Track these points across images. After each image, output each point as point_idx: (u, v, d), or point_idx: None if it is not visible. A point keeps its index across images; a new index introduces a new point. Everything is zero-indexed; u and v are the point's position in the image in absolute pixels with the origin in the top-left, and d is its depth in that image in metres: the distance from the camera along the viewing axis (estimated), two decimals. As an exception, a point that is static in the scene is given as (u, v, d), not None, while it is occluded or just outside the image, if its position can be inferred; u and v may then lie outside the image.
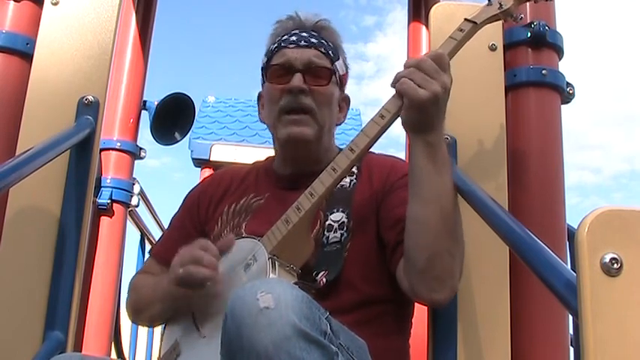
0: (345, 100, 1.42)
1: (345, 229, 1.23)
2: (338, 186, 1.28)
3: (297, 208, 1.14)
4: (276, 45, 1.36)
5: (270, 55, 1.37)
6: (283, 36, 1.36)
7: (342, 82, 1.39)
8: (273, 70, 1.34)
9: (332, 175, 1.14)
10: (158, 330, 1.31)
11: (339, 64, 1.37)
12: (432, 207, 1.09)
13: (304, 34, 1.35)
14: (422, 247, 1.10)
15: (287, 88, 1.29)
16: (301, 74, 1.29)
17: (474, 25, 1.19)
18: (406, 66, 1.10)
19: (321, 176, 1.15)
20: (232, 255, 1.18)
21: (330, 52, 1.36)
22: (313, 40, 1.35)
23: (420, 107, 1.07)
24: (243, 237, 1.23)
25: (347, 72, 1.41)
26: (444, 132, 1.13)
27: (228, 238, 1.20)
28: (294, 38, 1.34)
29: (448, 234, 1.10)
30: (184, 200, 1.46)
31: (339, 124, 1.41)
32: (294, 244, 1.14)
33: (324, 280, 1.17)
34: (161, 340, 1.25)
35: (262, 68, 1.40)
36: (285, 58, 1.32)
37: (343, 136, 4.23)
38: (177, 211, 1.45)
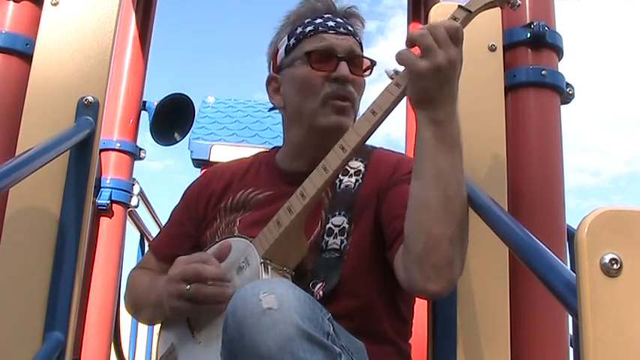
0: None
1: (345, 235, 1.20)
2: (342, 186, 1.26)
3: (289, 210, 1.10)
4: (312, 28, 1.30)
5: (301, 36, 1.31)
6: (316, 19, 1.31)
7: None
8: (314, 55, 1.27)
9: (323, 175, 1.09)
10: (157, 330, 1.31)
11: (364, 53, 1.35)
12: (434, 187, 1.04)
13: (340, 20, 1.32)
14: (420, 230, 1.03)
15: (334, 76, 1.25)
16: (346, 63, 1.26)
17: (468, 14, 1.12)
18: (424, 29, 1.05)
19: (312, 175, 1.11)
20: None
21: (361, 41, 1.34)
22: (349, 27, 1.32)
23: (420, 77, 1.02)
24: (235, 236, 1.20)
25: None
26: (456, 115, 1.07)
27: (224, 247, 1.16)
28: (331, 24, 1.30)
29: (450, 220, 1.03)
30: (185, 194, 1.43)
31: None
32: (287, 246, 1.11)
33: (321, 293, 1.14)
34: (157, 342, 1.24)
35: (288, 50, 1.32)
36: (326, 44, 1.27)
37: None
38: (178, 205, 1.43)
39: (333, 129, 1.25)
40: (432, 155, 1.05)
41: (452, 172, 1.05)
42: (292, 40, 1.32)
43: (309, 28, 1.30)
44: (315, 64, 1.27)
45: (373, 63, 1.31)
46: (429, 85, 1.03)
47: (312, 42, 1.29)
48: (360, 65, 1.30)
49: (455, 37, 1.04)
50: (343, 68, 1.25)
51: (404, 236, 1.09)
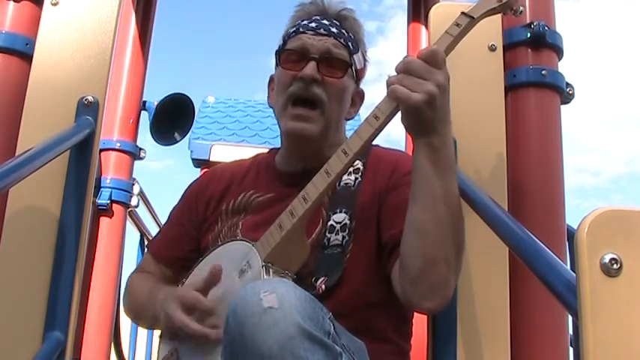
0: (359, 95, 1.38)
1: (347, 231, 1.20)
2: (342, 184, 1.27)
3: (291, 213, 1.10)
4: (294, 29, 1.31)
5: (286, 38, 1.33)
6: (303, 20, 1.32)
7: (358, 76, 1.35)
8: (287, 55, 1.29)
9: (325, 180, 1.09)
10: (157, 330, 1.30)
11: (357, 57, 1.33)
12: (432, 213, 1.04)
13: (325, 21, 1.31)
14: (416, 254, 1.04)
15: (299, 75, 1.25)
16: (316, 63, 1.25)
17: (471, 20, 1.13)
18: (396, 70, 1.04)
19: (314, 180, 1.11)
20: (226, 259, 1.16)
21: (349, 43, 1.31)
22: (333, 29, 1.30)
23: (416, 111, 1.01)
24: (238, 239, 1.20)
25: (365, 66, 1.38)
26: (450, 135, 1.06)
27: (215, 270, 1.12)
28: (313, 25, 1.30)
29: (447, 243, 1.04)
30: (184, 195, 1.43)
31: (350, 119, 1.37)
32: (289, 250, 1.11)
33: (323, 287, 1.15)
34: (159, 344, 1.24)
35: (276, 51, 1.35)
36: (300, 43, 1.28)
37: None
38: (176, 206, 1.43)
39: (291, 134, 1.28)
40: (428, 180, 1.04)
41: (447, 196, 1.05)
42: (281, 41, 1.35)
43: (292, 30, 1.32)
44: (285, 64, 1.29)
45: (348, 64, 1.30)
46: (424, 116, 1.02)
47: (291, 42, 1.31)
48: (337, 67, 1.28)
49: (434, 62, 1.02)
50: (309, 68, 1.25)
51: (400, 254, 1.09)
